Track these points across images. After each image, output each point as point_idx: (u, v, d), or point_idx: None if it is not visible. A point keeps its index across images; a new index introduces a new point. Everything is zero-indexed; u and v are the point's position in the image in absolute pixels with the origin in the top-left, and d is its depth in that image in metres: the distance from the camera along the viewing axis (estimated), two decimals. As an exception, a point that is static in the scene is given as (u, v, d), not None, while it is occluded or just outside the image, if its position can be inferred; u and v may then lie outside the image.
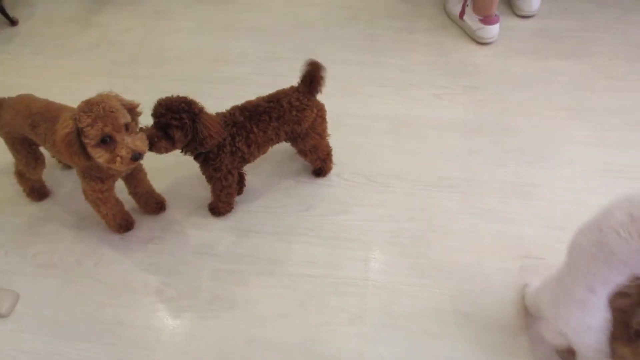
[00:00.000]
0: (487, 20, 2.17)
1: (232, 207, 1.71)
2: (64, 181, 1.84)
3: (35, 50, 2.37)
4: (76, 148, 1.30)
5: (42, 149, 1.64)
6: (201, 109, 1.43)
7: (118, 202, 1.62)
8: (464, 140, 1.90)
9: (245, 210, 1.73)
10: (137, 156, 1.31)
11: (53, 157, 1.74)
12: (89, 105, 1.28)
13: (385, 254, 1.61)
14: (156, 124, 1.40)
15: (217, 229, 1.69)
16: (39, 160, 1.66)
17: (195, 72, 2.16)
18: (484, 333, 1.44)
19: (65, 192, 1.81)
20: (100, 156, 1.30)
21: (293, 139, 1.63)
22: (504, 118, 1.97)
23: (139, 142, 1.34)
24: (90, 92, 1.35)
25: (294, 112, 1.55)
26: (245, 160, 1.60)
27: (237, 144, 1.52)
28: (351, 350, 1.42)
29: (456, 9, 2.29)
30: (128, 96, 1.39)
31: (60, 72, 2.24)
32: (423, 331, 1.45)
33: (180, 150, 1.50)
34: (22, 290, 1.56)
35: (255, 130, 1.53)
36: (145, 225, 1.71)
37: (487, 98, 2.05)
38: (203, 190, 1.75)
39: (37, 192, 1.77)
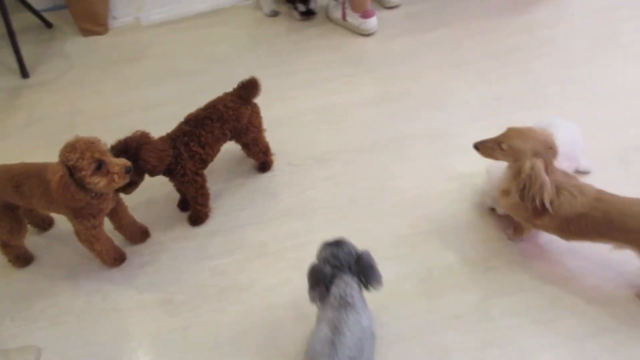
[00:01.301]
0: (365, 15, 2.59)
1: (210, 210, 1.93)
2: (42, 243, 1.94)
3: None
4: (73, 187, 1.47)
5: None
6: (139, 145, 1.62)
7: (108, 238, 1.78)
8: (380, 109, 2.28)
9: (221, 215, 1.95)
10: (129, 169, 1.52)
11: (41, 211, 1.86)
12: (70, 146, 1.47)
13: (351, 211, 1.91)
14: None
15: (202, 236, 1.89)
16: (22, 224, 1.78)
17: (134, 121, 2.31)
18: (449, 237, 1.78)
19: (47, 252, 1.91)
20: (98, 182, 1.48)
21: (237, 135, 1.89)
22: (404, 84, 2.38)
23: (120, 159, 1.54)
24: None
25: (231, 112, 1.81)
26: (205, 161, 1.83)
27: (192, 149, 1.77)
28: (351, 286, 1.68)
29: (338, 14, 2.70)
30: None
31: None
32: (397, 254, 1.77)
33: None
34: (42, 343, 1.65)
35: (204, 133, 1.78)
36: (136, 253, 1.86)
37: (385, 74, 2.45)
38: (173, 210, 1.97)
39: (23, 258, 1.85)
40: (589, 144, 1.94)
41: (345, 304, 1.31)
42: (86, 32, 2.88)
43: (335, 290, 1.34)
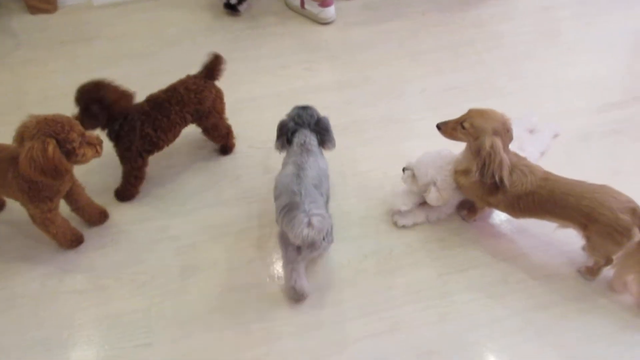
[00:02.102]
0: (324, 3, 2.63)
1: (137, 193, 1.93)
2: (-7, 226, 1.87)
3: None
4: (64, 159, 1.47)
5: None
6: (109, 83, 1.69)
7: (64, 220, 1.73)
8: (339, 95, 2.33)
9: (182, 196, 1.94)
10: (102, 140, 1.58)
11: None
12: (52, 121, 1.45)
13: (312, 192, 1.95)
14: (80, 109, 1.67)
15: (165, 217, 1.88)
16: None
17: (86, 102, 2.29)
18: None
19: (-1, 234, 1.85)
20: (87, 152, 1.52)
21: (198, 118, 1.88)
22: (363, 72, 2.44)
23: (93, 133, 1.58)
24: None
25: (192, 95, 1.81)
26: (156, 145, 1.82)
27: (145, 130, 1.76)
28: (315, 264, 1.74)
29: (296, 2, 2.72)
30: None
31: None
32: (358, 234, 1.84)
33: (103, 129, 1.74)
34: (-4, 327, 1.60)
35: (159, 117, 1.78)
36: (95, 235, 1.83)
37: (344, 62, 2.50)
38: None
39: (-28, 240, 1.78)
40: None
41: (305, 150, 1.66)
42: (34, 10, 2.75)
43: (297, 140, 1.68)
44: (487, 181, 1.53)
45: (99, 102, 1.64)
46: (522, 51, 2.54)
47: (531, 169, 1.55)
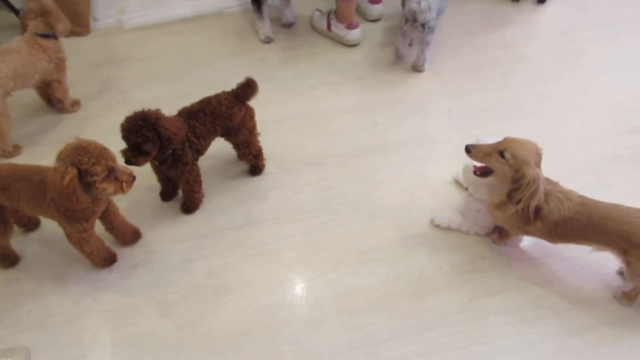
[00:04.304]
0: (350, 26, 2.67)
1: (203, 196, 1.98)
2: (28, 244, 1.90)
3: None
4: (80, 190, 1.47)
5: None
6: (158, 116, 1.66)
7: (99, 240, 1.76)
8: (366, 116, 2.34)
9: (213, 216, 1.96)
10: (134, 177, 1.55)
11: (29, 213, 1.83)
12: (83, 149, 1.46)
13: (340, 214, 1.96)
14: (129, 146, 1.64)
15: (195, 237, 1.90)
16: (7, 224, 1.74)
17: (117, 123, 2.34)
18: (436, 240, 1.86)
19: (34, 252, 1.88)
20: (107, 188, 1.50)
21: (227, 133, 1.92)
22: (389, 93, 2.46)
23: (125, 167, 1.55)
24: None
25: (224, 109, 1.85)
26: (199, 152, 1.87)
27: (190, 139, 1.80)
28: (346, 287, 1.74)
29: (323, 24, 2.77)
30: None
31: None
32: (388, 256, 1.83)
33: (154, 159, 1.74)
34: (30, 344, 1.62)
35: (197, 125, 1.81)
36: (127, 254, 1.85)
37: (371, 83, 2.53)
38: (165, 211, 1.98)
39: (8, 258, 1.82)
40: (563, 155, 2.08)
41: None
42: (68, 33, 2.84)
43: None
44: (515, 203, 1.52)
45: (150, 141, 1.62)
46: (547, 73, 2.55)
47: (566, 194, 1.54)
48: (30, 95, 2.43)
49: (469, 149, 1.63)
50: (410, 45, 2.60)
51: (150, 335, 1.64)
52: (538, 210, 1.54)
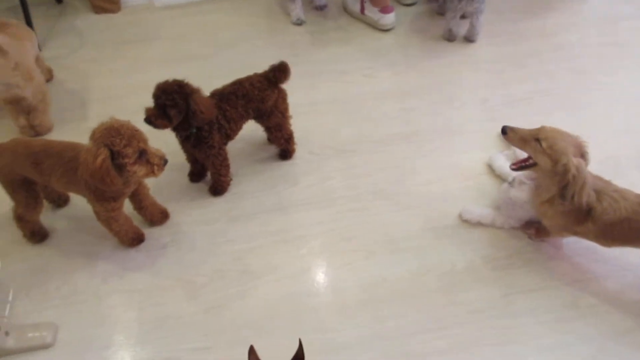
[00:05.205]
0: (385, 10, 2.60)
1: (231, 179, 1.95)
2: (58, 220, 1.90)
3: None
4: (112, 171, 1.44)
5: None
6: (194, 90, 1.65)
7: (127, 219, 1.75)
8: (399, 103, 2.28)
9: (242, 199, 1.94)
10: (166, 160, 1.52)
11: (59, 190, 1.84)
12: (115, 130, 1.43)
13: (371, 201, 1.92)
14: (155, 105, 1.63)
15: (223, 220, 1.87)
16: (38, 199, 1.74)
17: (145, 102, 2.31)
18: (469, 233, 1.80)
19: (63, 228, 1.88)
20: (138, 171, 1.48)
21: (259, 116, 1.89)
22: (423, 80, 2.39)
23: (158, 150, 1.53)
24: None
25: (256, 92, 1.81)
26: (228, 136, 1.84)
27: (220, 122, 1.77)
28: (374, 276, 1.70)
29: (356, 7, 2.70)
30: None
31: (5, 132, 2.27)
32: (419, 246, 1.78)
33: (174, 131, 1.73)
34: (58, 320, 1.62)
35: (228, 108, 1.78)
36: (155, 235, 1.84)
37: (404, 69, 2.46)
38: (194, 192, 1.96)
39: (38, 233, 1.82)
40: (606, 149, 1.99)
41: None
42: (98, 10, 2.83)
43: None
44: (567, 202, 1.44)
45: (177, 108, 1.61)
46: (589, 63, 2.45)
47: (622, 193, 1.45)
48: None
49: (505, 131, 1.57)
50: (462, 17, 2.53)
51: (177, 317, 1.62)
52: (589, 209, 1.45)
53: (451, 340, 1.55)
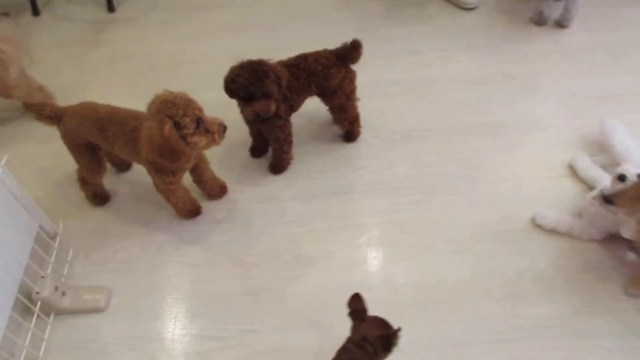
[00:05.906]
0: (470, -14, 2.41)
1: (292, 158, 1.90)
2: (120, 184, 1.92)
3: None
4: (178, 140, 1.42)
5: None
6: (269, 66, 1.60)
7: (186, 191, 1.73)
8: (475, 91, 2.13)
9: (302, 179, 1.88)
10: (225, 127, 1.48)
11: (122, 158, 1.84)
12: (170, 102, 1.40)
13: (436, 195, 1.80)
14: (244, 96, 1.61)
15: (283, 199, 1.83)
16: (101, 164, 1.75)
17: (214, 71, 2.25)
18: (542, 239, 1.66)
19: (124, 193, 1.90)
20: (199, 141, 1.44)
21: (322, 94, 1.82)
22: (504, 67, 2.21)
23: (214, 117, 1.49)
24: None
25: (320, 68, 1.73)
26: (292, 108, 1.78)
27: (283, 91, 1.70)
28: (432, 276, 1.60)
29: (438, -19, 2.53)
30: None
31: (79, 91, 2.30)
32: (483, 249, 1.66)
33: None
34: (113, 285, 1.65)
35: (291, 79, 1.71)
36: (213, 208, 1.82)
37: (484, 53, 2.29)
38: (255, 169, 1.92)
39: (100, 196, 1.84)
40: None
41: None
42: (172, -28, 2.80)
43: None
44: None
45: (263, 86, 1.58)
46: (699, 59, 2.18)
47: None
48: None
49: (610, 200, 1.36)
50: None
51: (227, 296, 1.60)
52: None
53: (511, 355, 1.44)
